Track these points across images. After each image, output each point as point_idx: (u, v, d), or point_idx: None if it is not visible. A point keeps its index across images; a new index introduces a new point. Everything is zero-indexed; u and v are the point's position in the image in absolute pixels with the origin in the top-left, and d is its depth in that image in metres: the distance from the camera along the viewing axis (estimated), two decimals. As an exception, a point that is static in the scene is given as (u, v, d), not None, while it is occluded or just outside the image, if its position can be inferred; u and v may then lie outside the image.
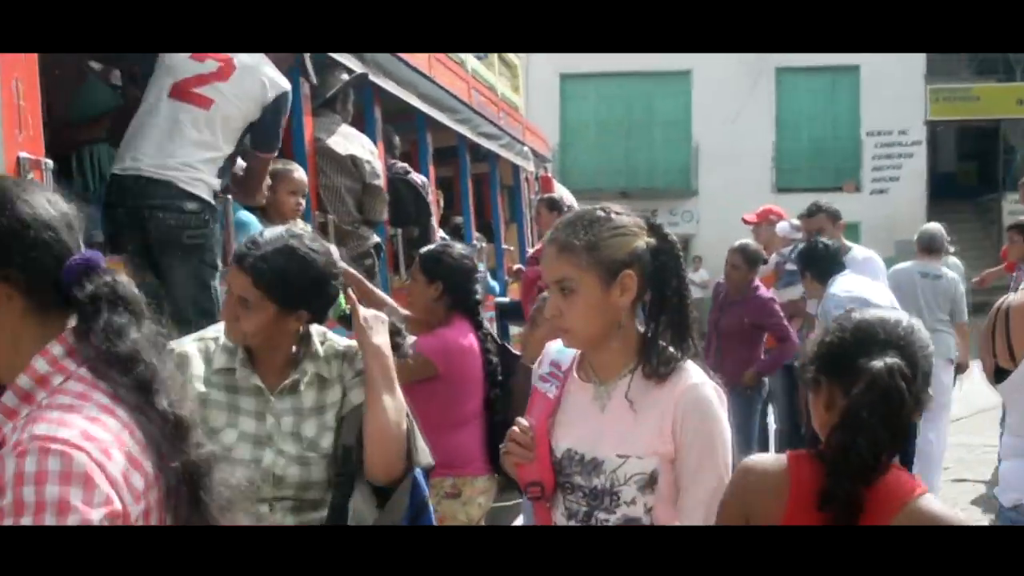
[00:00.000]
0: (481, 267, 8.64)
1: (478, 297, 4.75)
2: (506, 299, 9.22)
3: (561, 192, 11.74)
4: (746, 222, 9.30)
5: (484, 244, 9.01)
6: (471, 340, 4.64)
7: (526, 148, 10.11)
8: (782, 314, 7.69)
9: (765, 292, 7.82)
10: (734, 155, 26.23)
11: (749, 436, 7.69)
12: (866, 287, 6.62)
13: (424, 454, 2.86)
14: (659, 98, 27.95)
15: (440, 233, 7.42)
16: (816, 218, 8.14)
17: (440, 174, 8.81)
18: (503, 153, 9.20)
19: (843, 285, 6.59)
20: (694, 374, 2.54)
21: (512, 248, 9.91)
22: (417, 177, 6.60)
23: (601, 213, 2.54)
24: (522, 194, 10.19)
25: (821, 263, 6.92)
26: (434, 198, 7.29)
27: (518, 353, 4.86)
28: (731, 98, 26.54)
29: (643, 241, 2.52)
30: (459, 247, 4.83)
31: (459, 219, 8.76)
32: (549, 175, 11.53)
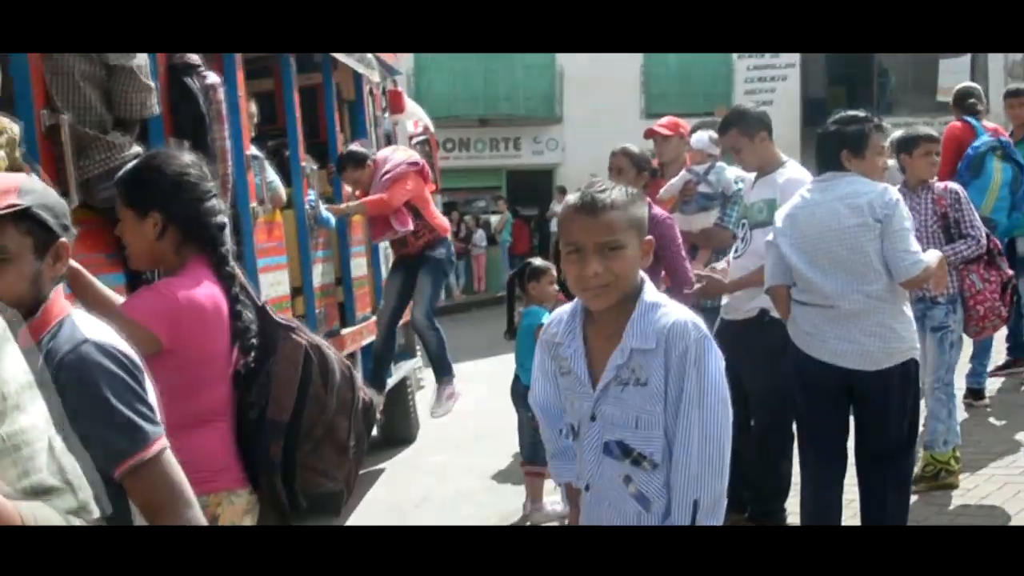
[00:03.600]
0: (312, 194, 7.02)
1: (217, 220, 3.18)
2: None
3: (414, 110, 10.18)
4: (654, 133, 7.28)
5: (315, 167, 7.39)
6: (211, 291, 3.09)
7: (370, 55, 8.39)
8: (680, 242, 5.98)
9: (660, 212, 6.06)
10: (600, 80, 24.99)
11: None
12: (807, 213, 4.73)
13: None
14: (520, 20, 26.38)
15: (252, 151, 5.81)
16: (729, 135, 5.80)
17: (259, 88, 7.16)
18: (340, 58, 7.46)
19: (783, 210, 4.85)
20: None
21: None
22: (212, 76, 4.93)
23: None
24: (366, 109, 8.44)
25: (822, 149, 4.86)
26: (243, 107, 5.67)
27: (285, 322, 3.27)
28: (596, 20, 25.14)
29: None
30: (178, 155, 3.22)
31: (284, 139, 7.09)
32: (399, 89, 9.81)
